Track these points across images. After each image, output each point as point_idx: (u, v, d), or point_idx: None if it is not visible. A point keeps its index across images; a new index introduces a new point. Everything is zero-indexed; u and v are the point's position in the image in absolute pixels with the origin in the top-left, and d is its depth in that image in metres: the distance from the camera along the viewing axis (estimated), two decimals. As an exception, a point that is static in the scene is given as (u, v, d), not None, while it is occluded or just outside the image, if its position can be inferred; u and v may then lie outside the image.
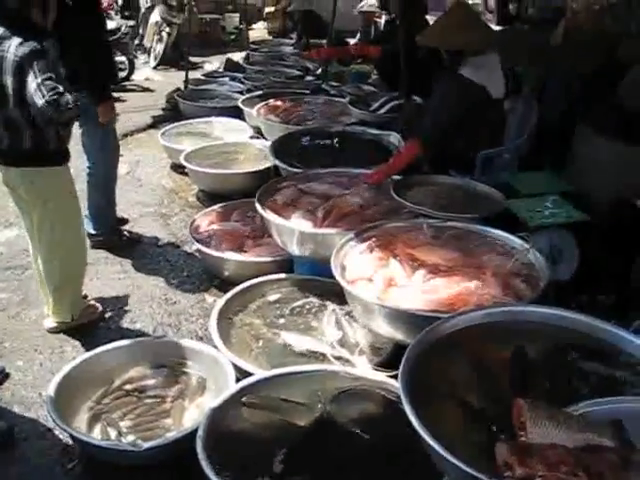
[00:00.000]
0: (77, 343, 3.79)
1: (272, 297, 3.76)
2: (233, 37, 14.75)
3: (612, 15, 5.18)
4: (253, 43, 11.89)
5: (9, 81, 3.34)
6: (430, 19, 6.46)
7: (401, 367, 2.11)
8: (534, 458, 1.68)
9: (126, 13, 13.91)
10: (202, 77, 9.56)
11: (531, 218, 3.63)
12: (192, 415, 3.00)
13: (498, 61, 4.30)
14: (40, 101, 3.23)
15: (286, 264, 4.07)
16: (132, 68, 10.75)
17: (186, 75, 8.83)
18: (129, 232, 5.15)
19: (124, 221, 5.31)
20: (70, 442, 2.99)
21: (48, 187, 3.60)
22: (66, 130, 3.62)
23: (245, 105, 6.87)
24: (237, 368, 3.05)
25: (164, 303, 4.25)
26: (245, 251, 4.36)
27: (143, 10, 13.20)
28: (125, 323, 4.03)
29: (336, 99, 6.81)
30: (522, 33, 6.64)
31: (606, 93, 4.44)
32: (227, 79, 9.06)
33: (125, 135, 7.55)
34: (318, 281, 3.72)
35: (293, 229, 3.71)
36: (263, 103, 6.57)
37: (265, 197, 4.06)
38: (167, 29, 12.15)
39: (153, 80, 11.14)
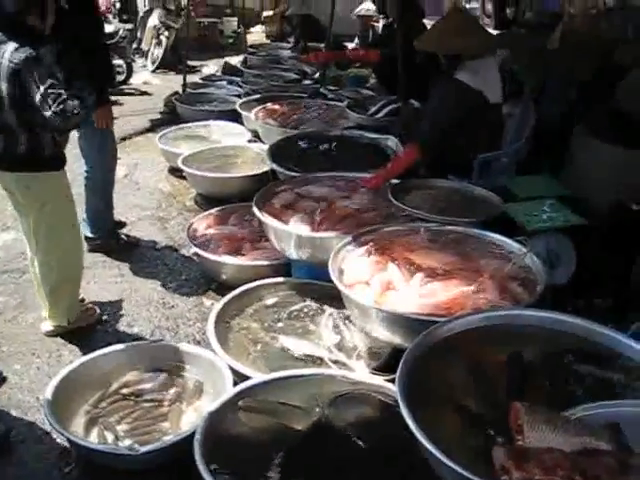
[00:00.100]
0: (74, 347, 3.78)
1: (270, 301, 3.76)
2: (231, 41, 14.79)
3: (609, 19, 5.20)
4: (251, 47, 11.92)
5: (4, 87, 3.33)
6: (427, 23, 6.48)
7: (399, 371, 2.11)
8: (531, 462, 1.69)
9: (124, 17, 13.95)
10: (200, 81, 9.58)
11: (529, 222, 3.63)
12: (189, 419, 3.00)
13: (495, 65, 4.31)
14: (47, 113, 3.25)
15: (284, 268, 4.07)
16: (130, 72, 10.76)
17: (184, 79, 8.84)
18: (127, 236, 5.15)
19: (122, 224, 5.31)
20: (67, 446, 2.98)
21: (44, 192, 3.59)
22: (63, 135, 3.62)
23: (243, 109, 6.88)
24: (235, 372, 3.05)
25: (161, 307, 4.25)
26: (243, 255, 4.35)
27: (141, 14, 13.23)
28: (122, 327, 4.02)
29: (334, 103, 6.82)
30: (520, 37, 6.66)
31: (603, 97, 4.45)
32: (225, 83, 9.08)
33: (123, 138, 7.56)
34: (316, 285, 3.71)
35: (291, 233, 3.71)
36: (261, 107, 6.59)
37: (263, 201, 4.06)
38: (166, 33, 12.17)
39: (151, 84, 11.15)
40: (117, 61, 9.98)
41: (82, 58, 4.10)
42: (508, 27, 7.75)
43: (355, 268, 3.21)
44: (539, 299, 2.75)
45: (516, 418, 1.86)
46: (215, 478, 2.32)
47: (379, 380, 2.83)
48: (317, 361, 3.17)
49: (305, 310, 3.62)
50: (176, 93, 8.73)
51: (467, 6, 9.39)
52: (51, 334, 3.86)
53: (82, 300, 4.09)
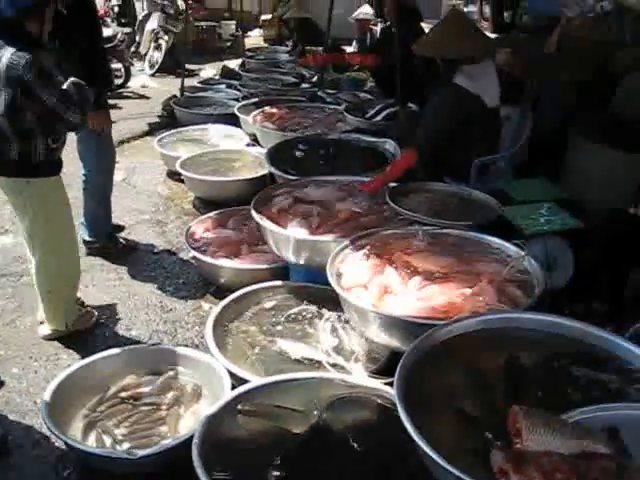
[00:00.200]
0: (72, 350, 3.78)
1: (268, 304, 3.76)
2: (229, 44, 14.79)
3: (606, 24, 5.21)
4: (249, 50, 11.93)
5: (1, 90, 3.34)
6: (425, 27, 6.49)
7: (396, 374, 2.11)
8: (529, 465, 1.69)
9: (122, 20, 13.93)
10: (198, 84, 9.59)
11: (526, 225, 3.64)
12: (187, 422, 2.99)
13: (494, 69, 4.32)
14: (66, 114, 3.42)
15: (282, 271, 4.07)
16: (128, 75, 10.76)
17: (182, 82, 8.85)
18: (125, 239, 5.15)
19: (120, 228, 5.31)
20: (65, 449, 2.98)
21: (37, 198, 3.58)
22: (58, 142, 3.61)
23: (241, 112, 6.89)
24: (233, 375, 3.05)
25: (160, 310, 4.25)
26: (241, 258, 4.36)
27: (140, 18, 13.23)
28: (120, 330, 4.02)
29: (332, 106, 6.83)
30: (518, 41, 6.67)
31: (601, 100, 4.46)
32: (223, 86, 9.09)
33: (121, 142, 7.56)
34: (314, 288, 3.71)
35: (289, 236, 3.71)
36: (259, 110, 6.58)
37: (261, 204, 4.06)
38: (165, 37, 12.17)
39: (149, 87, 11.16)
40: (115, 65, 9.99)
41: (79, 62, 4.11)
42: (506, 31, 7.77)
43: (353, 271, 3.21)
44: (537, 302, 2.75)
45: (514, 421, 1.86)
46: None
47: (377, 383, 2.83)
48: (315, 364, 3.17)
49: (303, 313, 3.62)
50: (174, 97, 8.74)
51: (465, 10, 9.40)
52: (49, 338, 3.86)
53: (82, 304, 4.09)
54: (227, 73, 10.07)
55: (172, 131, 7.15)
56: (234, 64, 11.03)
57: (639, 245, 3.53)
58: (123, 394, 3.18)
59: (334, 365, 3.12)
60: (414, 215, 3.63)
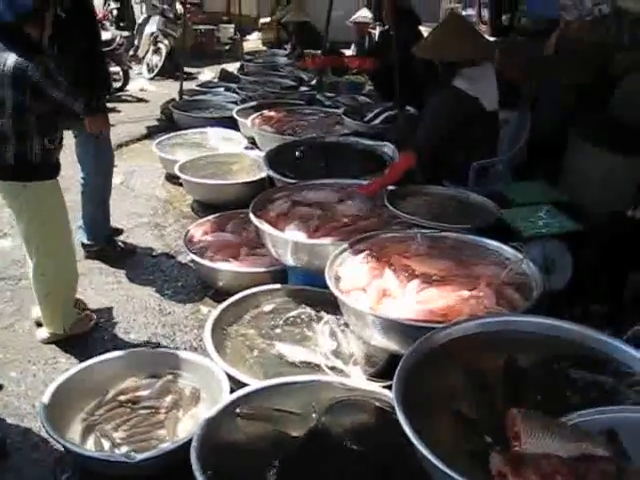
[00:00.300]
0: (70, 354, 3.78)
1: (266, 307, 3.75)
2: (228, 48, 14.79)
3: (604, 27, 5.21)
4: (247, 54, 11.93)
5: (8, 94, 3.36)
6: (423, 30, 6.51)
7: (395, 377, 2.11)
8: (528, 468, 1.69)
9: (121, 24, 13.94)
10: (197, 87, 9.58)
11: (525, 228, 3.64)
12: (186, 426, 2.99)
13: (493, 73, 4.32)
14: (75, 105, 3.61)
15: (280, 274, 4.07)
16: (127, 79, 10.77)
17: (181, 86, 8.84)
18: (123, 242, 5.15)
19: (118, 231, 5.30)
20: (64, 453, 2.98)
21: (33, 202, 3.58)
22: (54, 142, 3.61)
23: (239, 116, 6.88)
24: (231, 379, 3.05)
25: (158, 314, 4.24)
26: (240, 261, 4.35)
27: (139, 21, 13.24)
28: (119, 334, 4.01)
29: (330, 110, 6.84)
30: (516, 44, 6.68)
31: (599, 103, 4.47)
32: (222, 89, 9.08)
33: (120, 145, 7.55)
34: (312, 291, 3.71)
35: (287, 240, 3.71)
36: (257, 114, 6.59)
37: (259, 208, 4.06)
38: (165, 41, 12.17)
39: (148, 91, 11.16)
40: (114, 68, 9.99)
41: (78, 66, 4.12)
42: (504, 34, 7.78)
43: (352, 275, 3.21)
44: (535, 305, 2.76)
45: (513, 424, 1.86)
46: (212, 485, 2.32)
47: (376, 386, 2.83)
48: (314, 367, 3.17)
49: (302, 317, 3.62)
50: (173, 100, 8.72)
51: (463, 13, 9.41)
52: (47, 341, 3.85)
53: (84, 307, 4.09)
54: (226, 76, 10.06)
55: (171, 134, 7.14)
56: (233, 67, 11.04)
57: (637, 247, 3.53)
58: (122, 397, 3.17)
59: (333, 368, 3.11)
60: (412, 218, 3.63)
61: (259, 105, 7.21)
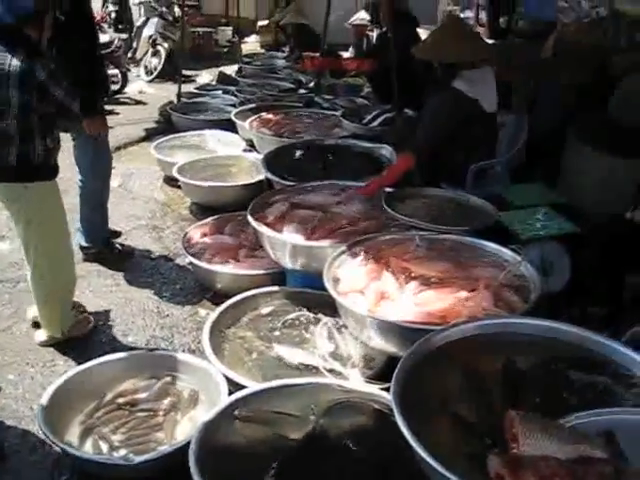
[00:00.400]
0: (69, 356, 3.77)
1: (265, 310, 3.75)
2: (226, 50, 14.79)
3: (601, 29, 5.23)
4: (246, 56, 11.94)
5: (14, 93, 3.37)
6: (421, 32, 6.52)
7: (393, 379, 2.11)
8: (526, 470, 1.69)
9: (119, 26, 13.94)
10: (195, 90, 9.58)
11: (523, 230, 3.64)
12: (184, 428, 2.99)
13: (492, 75, 4.33)
14: (73, 105, 3.67)
15: (279, 277, 4.06)
16: (125, 81, 10.75)
17: (179, 88, 8.85)
18: (122, 245, 5.14)
19: (117, 234, 5.30)
20: (62, 456, 2.97)
21: (34, 203, 3.58)
22: (55, 141, 3.62)
23: (238, 118, 6.89)
24: (229, 381, 3.05)
25: (156, 316, 4.24)
26: (238, 264, 4.35)
27: (138, 24, 13.24)
28: (117, 336, 4.01)
29: (329, 112, 6.84)
30: (514, 46, 6.69)
31: (597, 105, 4.47)
32: (220, 92, 9.08)
33: (118, 148, 7.54)
34: (311, 294, 3.71)
35: (285, 242, 3.71)
36: (256, 116, 6.60)
37: (258, 210, 4.06)
38: (165, 45, 12.17)
39: (146, 93, 11.15)
40: (112, 71, 9.99)
41: (76, 68, 4.11)
42: (502, 36, 7.80)
43: (350, 277, 3.21)
44: (534, 307, 2.76)
45: (511, 426, 1.86)
46: (210, 488, 2.32)
47: (374, 389, 2.83)
48: (312, 370, 3.17)
49: (300, 319, 3.61)
50: (171, 102, 8.73)
51: (461, 15, 9.43)
52: (45, 344, 3.85)
53: (83, 310, 4.08)
54: (224, 79, 10.06)
55: (169, 137, 7.14)
56: (231, 70, 11.03)
57: (636, 249, 3.53)
58: (120, 400, 3.17)
59: (331, 370, 3.11)
60: (411, 220, 3.63)
61: (257, 107, 7.22)
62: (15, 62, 3.34)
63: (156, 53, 12.25)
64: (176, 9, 13.09)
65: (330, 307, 3.35)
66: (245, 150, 6.49)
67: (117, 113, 9.25)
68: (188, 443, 2.54)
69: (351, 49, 10.17)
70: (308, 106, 7.32)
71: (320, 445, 2.57)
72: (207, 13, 16.01)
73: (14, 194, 3.56)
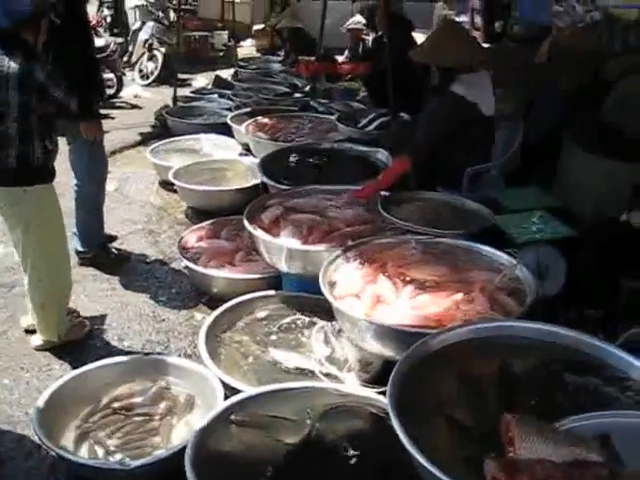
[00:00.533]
0: (64, 361, 3.76)
1: (261, 314, 3.75)
2: (222, 54, 14.79)
3: (596, 33, 5.24)
4: (241, 60, 11.93)
5: (13, 95, 3.37)
6: (416, 37, 6.53)
7: (389, 383, 2.11)
8: (523, 474, 1.69)
9: (115, 30, 13.94)
10: (191, 94, 9.58)
11: (518, 234, 3.64)
12: (180, 433, 2.98)
13: (489, 80, 4.34)
14: (72, 104, 3.67)
15: (275, 281, 4.06)
16: (120, 85, 10.75)
17: (174, 92, 8.84)
18: (117, 249, 5.13)
19: (112, 238, 5.30)
20: (57, 461, 2.96)
21: (33, 206, 3.58)
22: (53, 144, 3.63)
23: (234, 122, 6.89)
24: (226, 385, 3.04)
25: (152, 320, 4.23)
26: (234, 268, 4.35)
27: (134, 28, 13.23)
28: (113, 340, 4.00)
29: (324, 116, 6.84)
30: (509, 51, 6.71)
31: (592, 109, 4.48)
32: (216, 96, 9.08)
33: (113, 152, 7.54)
34: (307, 298, 3.71)
35: (281, 246, 3.71)
36: (252, 120, 6.59)
37: (253, 214, 4.06)
38: (162, 49, 12.17)
39: (141, 97, 11.15)
40: (108, 75, 9.98)
41: (71, 72, 4.11)
42: (497, 40, 7.82)
43: (346, 281, 3.21)
44: (529, 311, 2.76)
45: (507, 430, 1.86)
46: (206, 492, 2.31)
47: (370, 392, 2.83)
48: (308, 374, 3.17)
49: (296, 323, 3.62)
50: (167, 106, 8.72)
51: (457, 19, 9.45)
52: (41, 348, 3.84)
53: (78, 315, 4.08)
54: (220, 83, 10.06)
55: (165, 141, 7.13)
56: (227, 74, 11.03)
57: (631, 252, 3.54)
58: (115, 404, 3.17)
59: (327, 374, 3.11)
60: (406, 224, 3.63)
61: (253, 111, 7.22)
62: (13, 65, 3.35)
63: (152, 57, 12.24)
64: (172, 13, 13.11)
65: (326, 311, 3.36)
66: (241, 154, 6.49)
67: (113, 117, 9.24)
68: (184, 447, 2.53)
69: (346, 53, 10.18)
70: (304, 110, 7.32)
71: (316, 449, 2.57)
72: (203, 17, 15.99)
73: (13, 198, 3.56)
